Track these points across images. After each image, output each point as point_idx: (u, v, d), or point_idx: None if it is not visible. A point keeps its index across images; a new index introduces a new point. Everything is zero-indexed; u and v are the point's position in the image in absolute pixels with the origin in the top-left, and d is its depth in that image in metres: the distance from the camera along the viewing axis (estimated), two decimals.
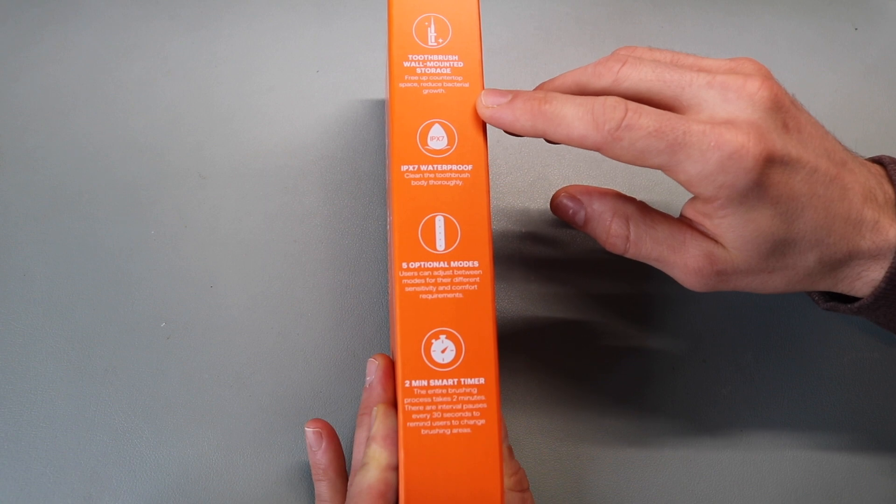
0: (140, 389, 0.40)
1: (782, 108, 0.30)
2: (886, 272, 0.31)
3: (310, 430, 0.36)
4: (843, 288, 0.33)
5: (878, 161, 0.34)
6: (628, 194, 0.34)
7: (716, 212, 0.30)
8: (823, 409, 0.41)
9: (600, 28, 0.47)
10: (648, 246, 0.33)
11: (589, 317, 0.42)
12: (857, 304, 0.33)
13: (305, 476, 0.39)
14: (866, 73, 0.48)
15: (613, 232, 0.33)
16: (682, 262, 0.32)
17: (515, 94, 0.32)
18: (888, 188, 0.32)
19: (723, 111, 0.30)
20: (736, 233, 0.30)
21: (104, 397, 0.39)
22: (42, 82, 0.44)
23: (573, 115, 0.30)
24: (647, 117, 0.29)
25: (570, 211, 0.34)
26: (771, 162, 0.29)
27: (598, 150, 0.30)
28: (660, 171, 0.31)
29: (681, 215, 0.33)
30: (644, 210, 0.33)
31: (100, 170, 0.43)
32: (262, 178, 0.43)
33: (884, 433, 0.41)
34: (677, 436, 0.40)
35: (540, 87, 0.34)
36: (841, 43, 0.48)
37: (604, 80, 0.32)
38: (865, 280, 0.32)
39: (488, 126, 0.32)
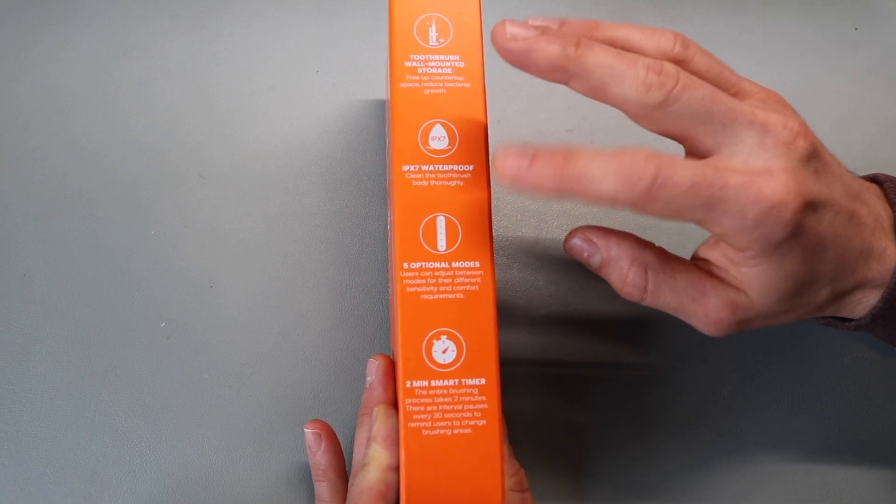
0: (140, 389, 0.40)
1: (816, 155, 0.29)
2: (883, 294, 0.31)
3: (309, 431, 0.36)
4: (844, 312, 0.33)
5: (874, 179, 0.34)
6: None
7: (746, 261, 0.30)
8: (823, 409, 0.41)
9: None
10: (667, 296, 0.31)
11: (590, 316, 0.42)
12: (853, 324, 0.33)
13: (305, 476, 0.39)
14: (866, 73, 0.48)
15: (630, 281, 0.31)
16: (703, 313, 0.31)
17: (535, 155, 0.28)
18: (889, 210, 0.32)
19: (758, 157, 0.28)
20: (763, 280, 0.30)
21: (104, 397, 0.39)
22: (42, 82, 0.44)
23: (601, 175, 0.27)
24: (682, 172, 0.27)
25: (585, 254, 0.32)
26: (805, 212, 0.28)
27: (630, 208, 0.28)
28: None
29: (697, 257, 0.32)
30: (663, 258, 0.32)
31: (100, 170, 0.43)
32: (262, 178, 0.43)
33: (884, 433, 0.41)
34: (677, 436, 0.40)
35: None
36: (841, 43, 0.48)
37: (653, 94, 0.28)
38: (865, 305, 0.32)
39: (489, 126, 0.32)
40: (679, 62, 0.30)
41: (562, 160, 0.28)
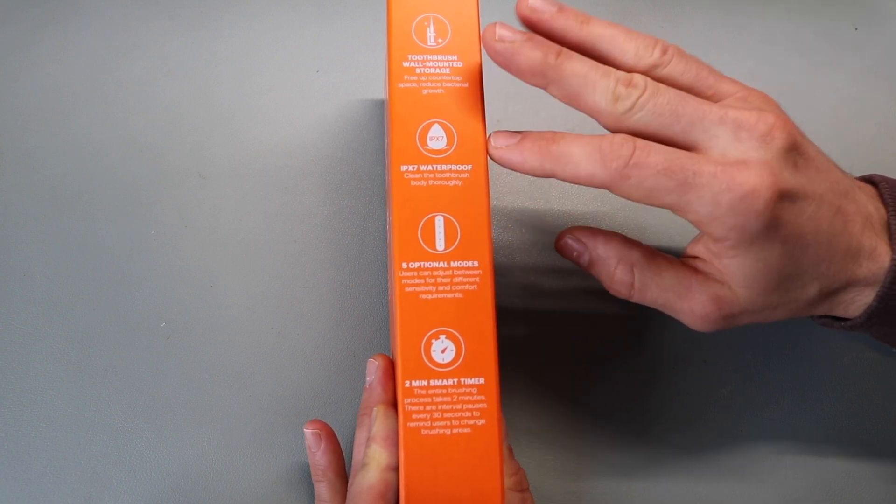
0: (140, 389, 0.40)
1: (795, 148, 0.30)
2: (878, 292, 0.32)
3: (309, 432, 0.36)
4: (838, 312, 0.33)
5: (869, 180, 0.34)
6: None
7: (725, 252, 0.30)
8: (823, 409, 0.41)
9: None
10: (654, 293, 0.32)
11: (589, 316, 0.42)
12: (849, 323, 0.33)
13: (305, 476, 0.39)
14: (866, 73, 0.48)
15: (617, 279, 0.33)
16: (689, 309, 0.32)
17: (524, 135, 0.31)
18: (882, 211, 0.33)
19: (735, 150, 0.29)
20: (744, 272, 0.30)
21: (104, 397, 0.39)
22: (42, 82, 0.44)
23: (580, 154, 0.30)
24: (656, 155, 0.29)
25: (575, 253, 0.34)
26: (781, 203, 0.29)
27: (607, 188, 0.30)
28: None
29: (685, 255, 0.33)
30: (650, 256, 0.33)
31: (100, 170, 0.43)
32: (262, 178, 0.43)
33: (883, 433, 0.41)
34: (677, 436, 0.40)
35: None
36: (841, 43, 0.48)
37: (621, 104, 0.30)
38: (859, 304, 0.32)
39: (488, 126, 0.32)
40: (654, 66, 0.31)
41: (547, 140, 0.31)
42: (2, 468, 0.38)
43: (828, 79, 0.47)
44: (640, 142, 0.29)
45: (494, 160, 0.32)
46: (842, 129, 0.46)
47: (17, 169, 0.43)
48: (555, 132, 0.31)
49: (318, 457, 0.36)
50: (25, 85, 0.44)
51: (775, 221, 0.29)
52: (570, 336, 0.42)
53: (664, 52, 0.32)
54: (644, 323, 0.42)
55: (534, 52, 0.30)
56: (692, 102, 0.30)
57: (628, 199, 0.30)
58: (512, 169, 0.31)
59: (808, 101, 0.46)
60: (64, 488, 0.38)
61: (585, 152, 0.30)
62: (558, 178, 0.31)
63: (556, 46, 0.31)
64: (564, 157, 0.30)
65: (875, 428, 0.41)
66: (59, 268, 0.41)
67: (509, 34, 0.31)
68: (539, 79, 0.31)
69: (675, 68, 0.32)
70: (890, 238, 0.32)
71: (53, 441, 0.39)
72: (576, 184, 0.31)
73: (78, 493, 0.38)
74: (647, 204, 0.30)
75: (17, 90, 0.44)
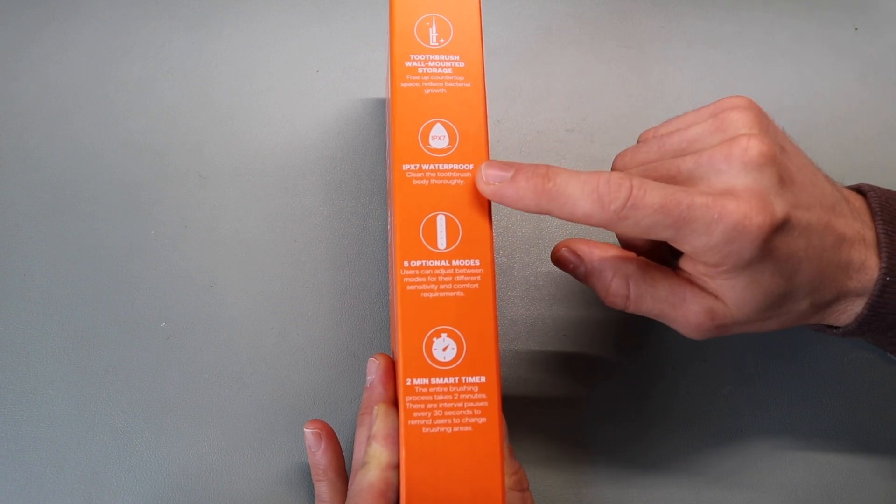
0: (140, 389, 0.40)
1: (774, 162, 0.30)
2: (867, 302, 0.32)
3: (309, 431, 0.36)
4: (830, 321, 0.34)
5: (858, 189, 0.35)
6: None
7: (719, 275, 0.31)
8: (823, 410, 0.41)
9: (600, 28, 0.47)
10: (649, 304, 0.33)
11: (590, 315, 0.42)
12: (841, 331, 0.34)
13: (305, 476, 0.39)
14: (866, 73, 0.48)
15: (613, 291, 0.33)
16: (683, 319, 0.32)
17: (517, 170, 0.30)
18: (870, 222, 0.33)
19: (718, 182, 0.29)
20: (737, 293, 0.31)
21: (104, 397, 0.39)
22: (42, 82, 0.44)
23: (578, 194, 0.29)
24: (653, 194, 0.29)
25: (571, 265, 0.34)
26: (773, 227, 0.29)
27: (603, 227, 0.30)
28: None
29: (678, 267, 0.33)
30: (644, 268, 0.33)
31: (100, 170, 0.43)
32: (262, 178, 0.43)
33: (883, 433, 0.41)
34: (677, 436, 0.40)
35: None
36: (841, 43, 0.48)
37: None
38: (850, 313, 0.33)
39: (489, 126, 0.32)
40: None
41: (542, 177, 0.30)
42: (2, 468, 0.38)
43: (828, 79, 0.47)
44: (637, 181, 0.29)
45: (486, 196, 0.31)
46: (842, 129, 0.46)
47: (17, 169, 0.43)
48: (548, 167, 0.30)
49: (319, 456, 0.36)
50: (25, 85, 0.44)
51: (768, 246, 0.29)
52: (570, 335, 0.42)
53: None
54: (644, 323, 0.42)
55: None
56: (672, 163, 0.31)
57: (624, 234, 0.30)
58: (504, 205, 0.31)
59: (809, 101, 0.47)
60: (64, 488, 0.38)
61: (583, 192, 0.29)
62: (554, 216, 0.31)
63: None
64: (562, 197, 0.30)
65: (874, 428, 0.41)
66: (59, 268, 0.41)
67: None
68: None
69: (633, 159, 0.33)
70: (878, 249, 0.32)
71: (53, 441, 0.39)
72: (571, 222, 0.31)
73: (78, 493, 0.38)
74: (642, 237, 0.30)
75: (17, 90, 0.44)
